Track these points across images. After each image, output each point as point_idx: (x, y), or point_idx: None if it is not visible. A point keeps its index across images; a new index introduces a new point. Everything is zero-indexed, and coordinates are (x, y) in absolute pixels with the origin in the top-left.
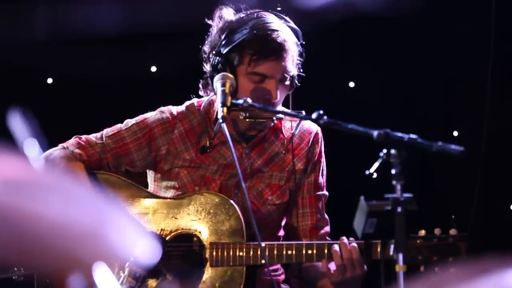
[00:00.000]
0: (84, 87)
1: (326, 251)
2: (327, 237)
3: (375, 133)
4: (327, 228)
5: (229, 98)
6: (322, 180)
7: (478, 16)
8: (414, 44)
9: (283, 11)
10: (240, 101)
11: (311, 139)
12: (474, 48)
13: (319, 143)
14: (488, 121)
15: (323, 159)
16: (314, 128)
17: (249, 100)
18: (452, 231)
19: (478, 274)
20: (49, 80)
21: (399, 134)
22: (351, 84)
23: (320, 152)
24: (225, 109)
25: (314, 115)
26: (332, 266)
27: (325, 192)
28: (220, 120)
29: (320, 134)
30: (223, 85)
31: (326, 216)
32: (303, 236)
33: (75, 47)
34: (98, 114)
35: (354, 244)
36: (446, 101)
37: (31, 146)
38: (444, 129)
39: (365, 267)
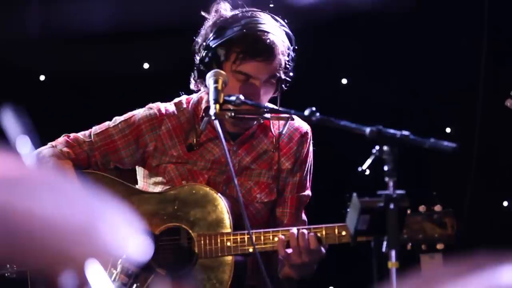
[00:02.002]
0: (77, 84)
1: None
2: None
3: (368, 130)
4: None
5: (222, 95)
6: (307, 180)
7: (470, 12)
8: (406, 41)
9: (276, 8)
10: (233, 98)
11: (300, 138)
12: (467, 44)
13: (308, 143)
14: (481, 117)
15: (310, 159)
16: (305, 127)
17: (242, 97)
18: (437, 208)
19: (471, 270)
20: (42, 77)
21: (392, 131)
22: (344, 81)
23: (308, 152)
24: (217, 106)
25: (306, 112)
26: (289, 250)
27: (308, 193)
28: (213, 117)
29: (310, 134)
30: (216, 81)
31: (304, 217)
32: None
33: (67, 44)
34: (91, 111)
35: (312, 234)
36: (438, 98)
37: (23, 144)
38: (437, 125)
39: (323, 251)
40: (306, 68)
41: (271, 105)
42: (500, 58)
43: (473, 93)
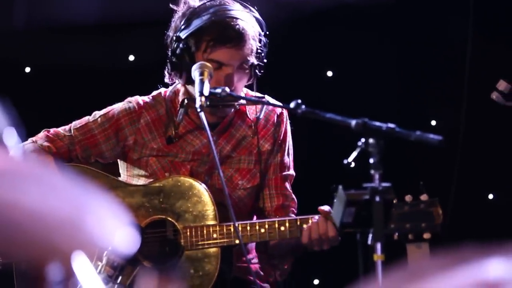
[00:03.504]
0: (62, 76)
1: (298, 224)
2: (293, 216)
3: (353, 122)
4: (294, 208)
5: (207, 87)
6: (288, 160)
7: (457, 4)
8: (392, 33)
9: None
10: (218, 90)
11: (276, 119)
12: (452, 37)
13: (284, 123)
14: (466, 110)
15: (289, 139)
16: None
17: (227, 89)
18: (423, 197)
19: (457, 263)
20: (27, 69)
21: (377, 124)
22: (329, 73)
23: (286, 131)
24: (203, 98)
25: (292, 105)
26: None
27: (292, 172)
28: (198, 109)
29: (286, 114)
30: (201, 74)
31: (293, 196)
32: (269, 217)
33: (53, 36)
34: (76, 103)
35: (330, 222)
36: (424, 90)
37: (9, 136)
38: (422, 118)
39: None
40: (291, 60)
41: (259, 94)
42: (486, 50)
43: (459, 86)
